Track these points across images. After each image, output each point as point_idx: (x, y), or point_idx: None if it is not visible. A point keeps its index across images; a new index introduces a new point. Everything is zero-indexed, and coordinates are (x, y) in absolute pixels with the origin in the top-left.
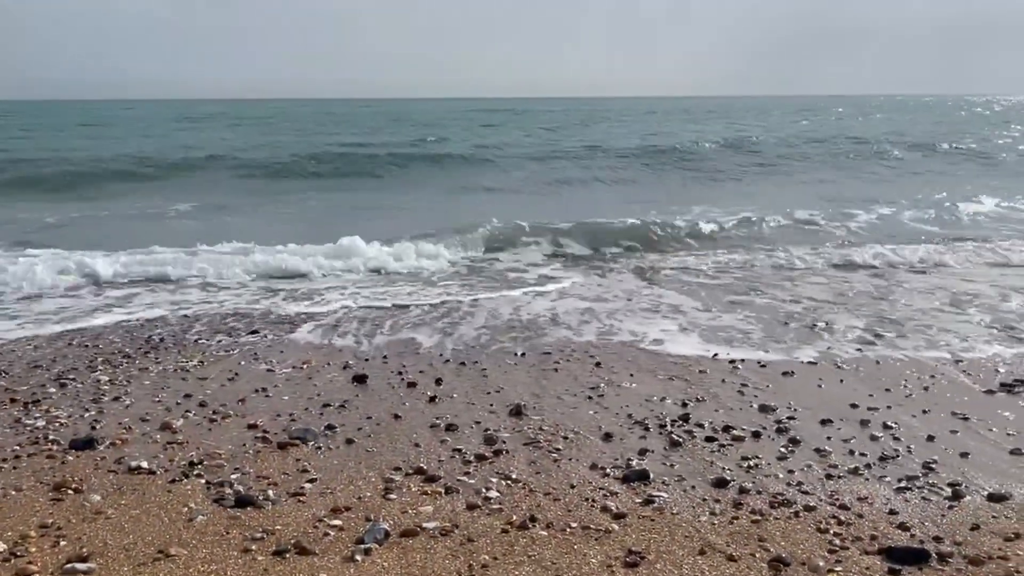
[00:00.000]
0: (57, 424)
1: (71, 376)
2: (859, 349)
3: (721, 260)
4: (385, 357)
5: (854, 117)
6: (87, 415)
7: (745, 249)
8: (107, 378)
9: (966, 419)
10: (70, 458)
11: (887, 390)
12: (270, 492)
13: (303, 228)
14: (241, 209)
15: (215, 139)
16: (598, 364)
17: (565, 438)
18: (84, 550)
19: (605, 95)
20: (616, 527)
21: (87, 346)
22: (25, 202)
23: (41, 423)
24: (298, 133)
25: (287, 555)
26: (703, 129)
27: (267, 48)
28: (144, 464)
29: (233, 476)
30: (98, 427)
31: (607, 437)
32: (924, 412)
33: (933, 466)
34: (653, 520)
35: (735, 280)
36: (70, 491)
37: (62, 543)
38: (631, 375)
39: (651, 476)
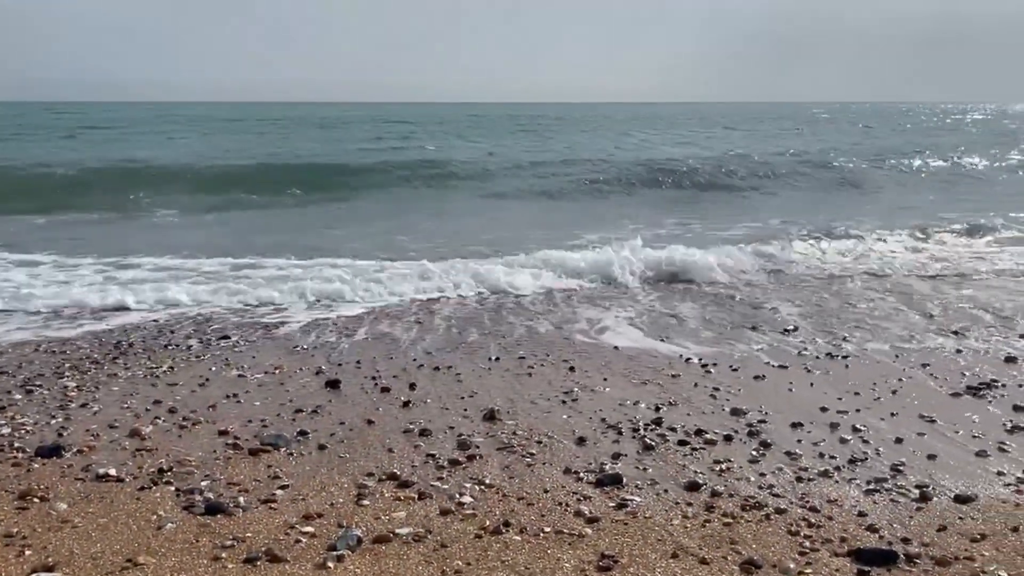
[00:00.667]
0: (23, 431)
1: (37, 383)
2: (829, 354)
3: None
4: (359, 362)
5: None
6: (54, 422)
7: None
8: (74, 384)
9: (933, 422)
10: (36, 466)
11: (856, 393)
12: (241, 499)
13: None
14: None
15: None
16: (572, 368)
17: (539, 442)
18: (50, 559)
19: (569, 101)
20: (589, 531)
21: (54, 352)
22: None
23: (6, 430)
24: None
25: (258, 562)
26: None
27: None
28: (112, 471)
29: (203, 483)
30: (65, 434)
31: (581, 441)
32: (892, 415)
33: (901, 468)
34: (626, 524)
35: None
36: (36, 499)
37: (27, 552)
38: (604, 379)
39: (624, 480)
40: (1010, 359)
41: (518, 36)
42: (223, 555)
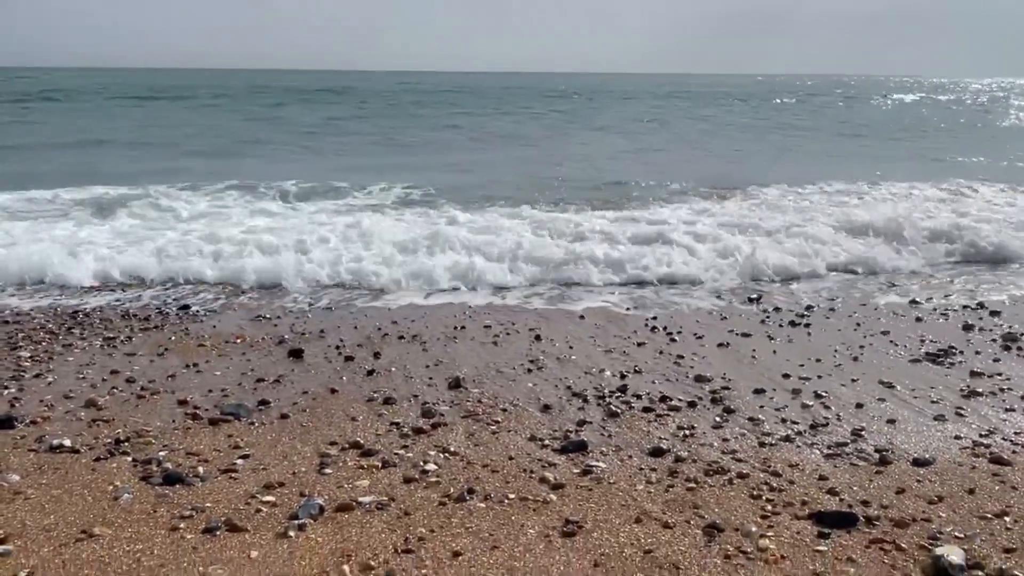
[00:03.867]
0: None
1: None
2: (792, 322)
3: None
4: (322, 331)
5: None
6: (6, 392)
7: None
8: (28, 354)
9: (892, 387)
10: None
11: (818, 360)
12: (200, 469)
13: None
14: None
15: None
16: (538, 337)
17: (504, 410)
18: (1, 532)
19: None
20: (554, 497)
21: (7, 322)
22: None
23: None
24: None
25: (217, 532)
26: None
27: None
28: (67, 442)
29: (161, 453)
30: (17, 405)
31: (546, 409)
32: (853, 381)
33: (861, 433)
34: (590, 490)
35: None
36: None
37: None
38: (570, 347)
39: (589, 447)
40: None
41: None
42: (181, 525)
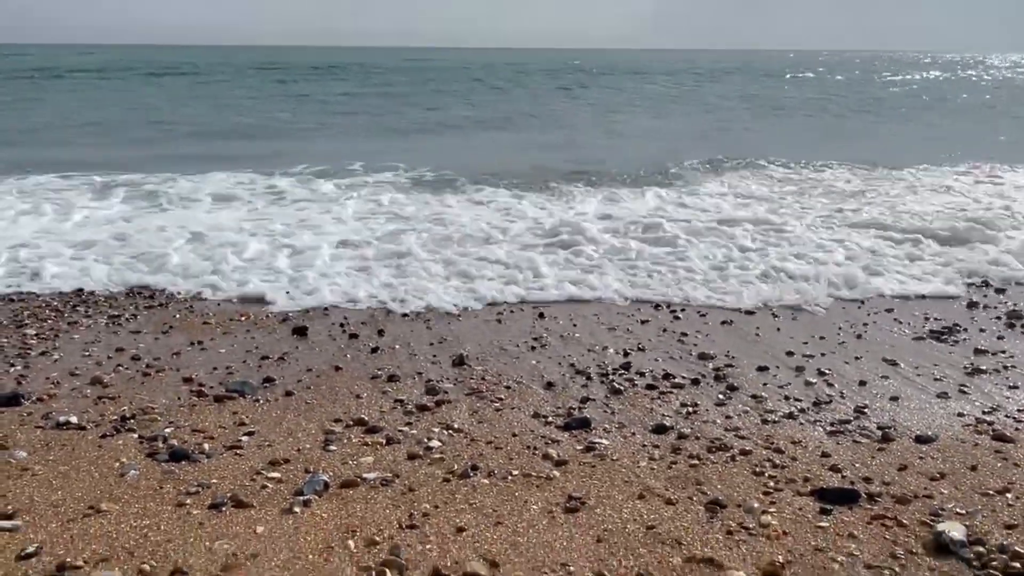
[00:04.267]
0: None
1: None
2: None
3: None
4: (326, 309)
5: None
6: (12, 370)
7: None
8: (34, 332)
9: (896, 365)
10: None
11: (821, 337)
12: (206, 446)
13: None
14: None
15: None
16: (541, 315)
17: (508, 388)
18: (9, 507)
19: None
20: (557, 474)
21: (12, 300)
22: None
23: None
24: None
25: (223, 508)
26: None
27: None
28: (73, 419)
29: (167, 430)
30: (24, 382)
31: (549, 386)
32: (856, 359)
33: (864, 410)
34: (594, 466)
35: None
36: None
37: None
38: (574, 325)
39: (592, 424)
40: None
41: None
42: (188, 501)
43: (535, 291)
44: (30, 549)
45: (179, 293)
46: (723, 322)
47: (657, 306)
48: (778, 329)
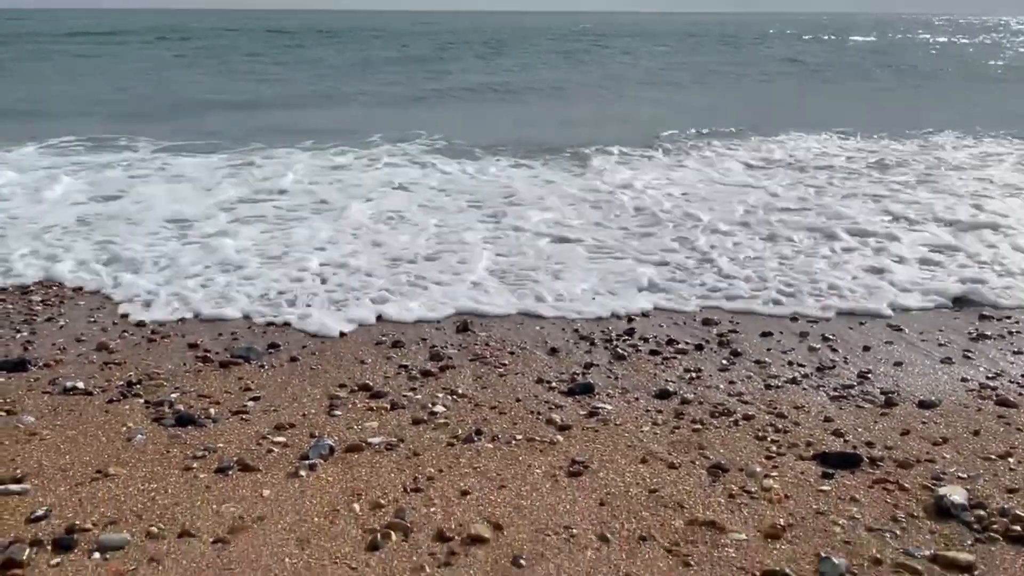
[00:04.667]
0: None
1: (1, 297)
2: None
3: None
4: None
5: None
6: (19, 336)
7: None
8: (39, 299)
9: (900, 331)
10: (1, 380)
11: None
12: (212, 411)
13: None
14: None
15: None
16: None
17: (512, 353)
18: (18, 471)
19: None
20: (561, 438)
21: None
22: None
23: None
24: None
25: (230, 472)
26: None
27: None
28: (80, 385)
29: (173, 395)
30: (30, 348)
31: (553, 352)
32: (861, 324)
33: (868, 375)
34: (597, 431)
35: None
36: (2, 413)
37: None
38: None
39: (596, 389)
40: None
41: None
42: (194, 465)
43: None
44: (39, 512)
45: None
46: None
47: None
48: None
